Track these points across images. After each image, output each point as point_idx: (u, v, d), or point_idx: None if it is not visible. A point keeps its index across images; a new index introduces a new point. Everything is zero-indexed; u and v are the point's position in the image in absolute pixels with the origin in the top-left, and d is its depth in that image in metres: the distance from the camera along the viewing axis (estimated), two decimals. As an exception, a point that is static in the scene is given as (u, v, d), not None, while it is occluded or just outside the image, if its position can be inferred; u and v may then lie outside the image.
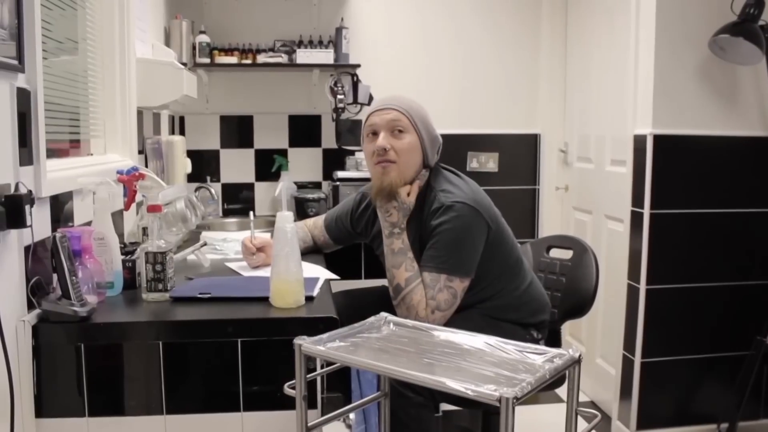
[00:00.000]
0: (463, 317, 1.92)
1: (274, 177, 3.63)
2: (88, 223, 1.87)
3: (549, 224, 3.76)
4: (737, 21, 2.48)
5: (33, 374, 1.50)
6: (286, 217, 1.63)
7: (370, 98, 3.52)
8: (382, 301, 1.94)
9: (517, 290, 2.04)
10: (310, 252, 2.34)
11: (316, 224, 2.38)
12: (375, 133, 1.99)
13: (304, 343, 1.29)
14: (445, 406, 2.03)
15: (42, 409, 1.52)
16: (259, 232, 2.29)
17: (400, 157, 1.97)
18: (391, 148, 1.96)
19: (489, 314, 2.00)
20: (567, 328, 3.63)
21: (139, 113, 2.58)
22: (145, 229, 1.97)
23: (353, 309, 1.84)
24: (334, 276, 2.04)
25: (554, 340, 2.23)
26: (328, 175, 3.64)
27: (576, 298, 2.28)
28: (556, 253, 2.45)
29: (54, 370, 1.53)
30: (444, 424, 2.63)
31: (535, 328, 2.08)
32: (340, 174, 3.36)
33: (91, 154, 2.28)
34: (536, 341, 2.07)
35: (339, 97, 3.39)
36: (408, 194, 1.98)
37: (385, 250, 1.97)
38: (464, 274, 1.91)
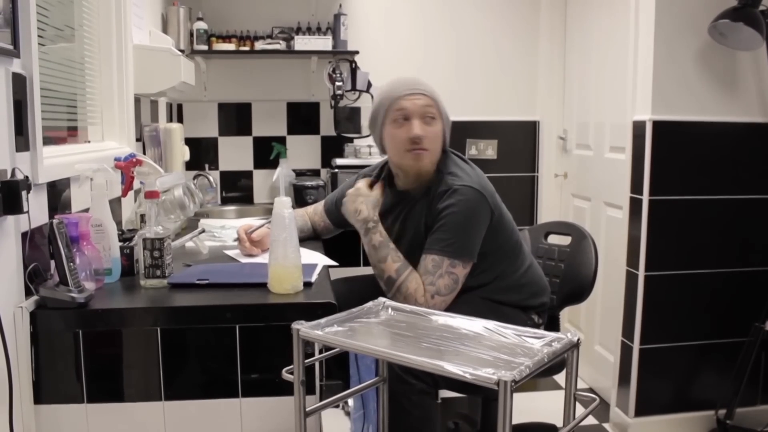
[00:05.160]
0: (463, 301, 1.92)
1: (273, 164, 3.62)
2: (86, 210, 1.86)
3: (548, 211, 3.76)
4: (737, 6, 2.46)
5: (31, 361, 1.50)
6: (284, 202, 1.63)
7: (369, 85, 3.51)
8: (381, 288, 1.94)
9: (516, 272, 2.05)
10: (309, 239, 2.34)
11: (316, 210, 2.38)
12: (405, 119, 1.96)
13: (302, 327, 1.29)
14: (445, 393, 2.04)
15: (40, 396, 1.52)
16: (256, 219, 2.28)
17: (431, 144, 1.96)
18: (425, 136, 1.94)
19: (489, 297, 2.01)
20: (566, 315, 3.64)
21: (137, 100, 2.57)
22: (143, 216, 1.97)
23: (352, 296, 1.84)
24: (332, 262, 2.04)
25: (553, 326, 2.23)
26: (326, 162, 3.64)
27: (575, 284, 2.28)
28: (554, 239, 2.45)
29: (52, 357, 1.53)
30: (443, 411, 2.64)
31: (536, 312, 2.09)
32: (339, 161, 3.35)
33: (89, 142, 2.27)
34: (537, 325, 2.09)
35: (337, 84, 3.38)
36: (371, 187, 1.98)
37: (366, 248, 1.97)
38: (467, 258, 1.91)
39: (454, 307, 1.88)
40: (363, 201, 1.97)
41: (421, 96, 1.96)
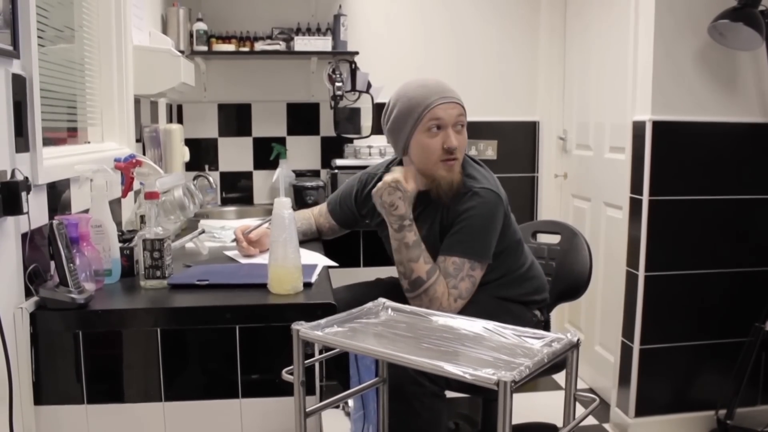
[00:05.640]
0: (471, 300, 1.93)
1: (273, 165, 3.62)
2: (86, 211, 1.86)
3: (548, 212, 3.76)
4: (737, 6, 2.47)
5: (31, 362, 1.50)
6: (283, 203, 1.63)
7: (369, 86, 3.51)
8: (385, 295, 1.93)
9: (521, 269, 2.08)
10: (313, 240, 2.34)
11: (321, 212, 2.36)
12: (439, 128, 1.93)
13: (302, 328, 1.29)
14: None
15: (41, 397, 1.52)
16: (255, 220, 2.28)
17: (461, 152, 1.96)
18: (458, 146, 1.93)
19: (496, 294, 2.02)
20: (566, 315, 3.64)
21: (137, 101, 2.57)
22: (142, 217, 1.97)
23: (356, 304, 1.84)
24: (332, 263, 2.03)
25: (545, 326, 2.23)
26: (326, 163, 3.64)
27: (569, 282, 2.29)
28: (542, 238, 2.47)
29: (52, 358, 1.53)
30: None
31: (537, 307, 2.12)
32: (339, 162, 3.35)
33: (89, 143, 2.27)
34: (540, 322, 2.12)
35: (337, 84, 3.38)
36: (407, 181, 1.94)
37: (396, 244, 1.94)
38: (485, 260, 1.94)
39: (463, 307, 1.90)
40: (401, 196, 1.91)
41: (456, 105, 1.94)
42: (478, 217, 1.91)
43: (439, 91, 1.95)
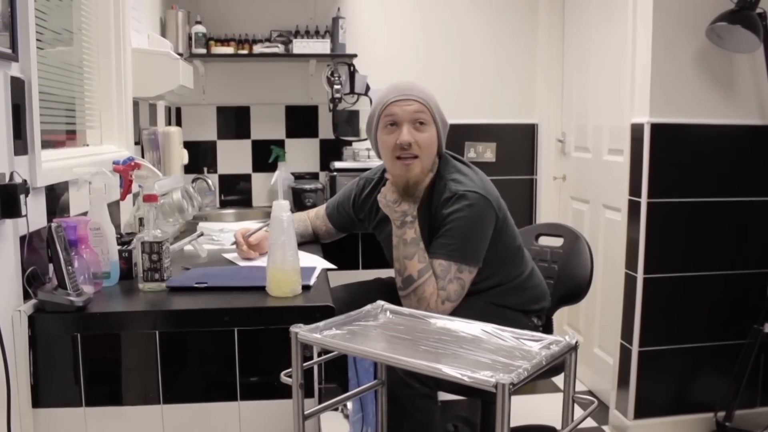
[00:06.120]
0: (466, 305, 1.92)
1: (272, 168, 3.62)
2: (85, 214, 1.86)
3: (547, 214, 3.76)
4: (735, 9, 2.47)
5: (29, 364, 1.50)
6: (282, 206, 1.63)
7: (367, 88, 3.51)
8: (382, 295, 1.94)
9: (520, 277, 2.07)
10: (310, 243, 2.34)
11: (317, 214, 2.37)
12: (395, 124, 1.93)
13: (301, 330, 1.29)
14: (444, 396, 2.04)
15: (39, 400, 1.52)
16: (255, 223, 2.28)
17: (422, 150, 1.93)
18: (414, 142, 1.92)
19: (492, 301, 2.01)
20: (565, 317, 3.64)
21: (135, 104, 2.57)
22: (141, 220, 1.97)
23: (353, 303, 1.84)
24: (331, 265, 2.03)
25: (546, 328, 2.23)
26: (325, 165, 3.64)
27: (571, 285, 2.28)
28: (545, 241, 2.46)
29: (50, 360, 1.52)
30: (443, 413, 2.64)
31: (536, 315, 2.11)
32: (338, 164, 3.35)
33: (87, 145, 2.27)
34: (537, 327, 2.11)
35: (336, 87, 3.38)
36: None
37: (396, 240, 1.94)
38: (473, 263, 1.92)
39: (458, 312, 1.88)
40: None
41: (412, 101, 1.93)
42: (463, 219, 1.90)
43: (399, 89, 1.96)
